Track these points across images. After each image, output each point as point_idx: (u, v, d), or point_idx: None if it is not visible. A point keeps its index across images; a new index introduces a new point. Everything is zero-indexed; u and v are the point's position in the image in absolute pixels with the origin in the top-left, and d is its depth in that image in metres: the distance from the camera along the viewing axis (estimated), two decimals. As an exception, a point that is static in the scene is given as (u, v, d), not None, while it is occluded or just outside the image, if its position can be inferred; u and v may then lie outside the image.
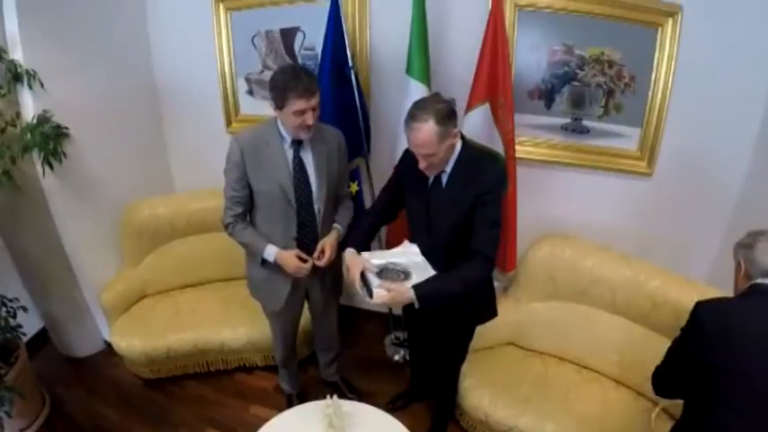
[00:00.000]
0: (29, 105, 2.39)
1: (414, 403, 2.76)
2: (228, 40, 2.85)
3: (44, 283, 2.81)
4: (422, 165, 1.79)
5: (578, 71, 2.44)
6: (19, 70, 2.30)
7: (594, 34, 2.36)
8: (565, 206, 2.73)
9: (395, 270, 1.87)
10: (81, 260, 2.81)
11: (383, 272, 1.86)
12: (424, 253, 1.92)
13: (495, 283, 2.81)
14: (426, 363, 2.66)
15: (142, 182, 3.08)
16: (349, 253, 1.96)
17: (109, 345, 2.90)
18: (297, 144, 2.05)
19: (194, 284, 3.07)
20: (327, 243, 2.16)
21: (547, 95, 2.53)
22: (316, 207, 2.13)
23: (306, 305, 2.48)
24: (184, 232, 2.98)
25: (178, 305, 2.92)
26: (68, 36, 2.55)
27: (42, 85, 2.37)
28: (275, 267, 2.15)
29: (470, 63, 2.36)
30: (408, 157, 1.94)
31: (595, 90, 2.46)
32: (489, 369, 2.58)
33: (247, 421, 2.60)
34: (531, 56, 2.48)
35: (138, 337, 2.71)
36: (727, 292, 2.19)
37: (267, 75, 2.78)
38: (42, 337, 3.05)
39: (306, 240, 2.16)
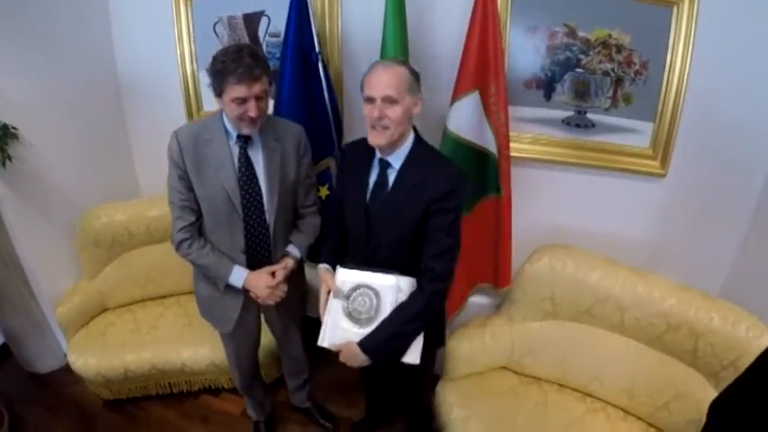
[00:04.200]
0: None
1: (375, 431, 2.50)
2: (189, 30, 2.56)
3: (0, 295, 2.57)
4: (374, 113, 1.53)
5: (582, 57, 2.11)
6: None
7: (601, 14, 2.03)
8: (566, 212, 2.40)
9: (366, 291, 1.69)
10: (37, 271, 2.60)
11: (355, 292, 1.69)
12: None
13: (487, 300, 2.58)
14: (380, 385, 2.36)
15: (105, 186, 2.82)
16: (322, 270, 1.78)
17: (71, 360, 2.69)
18: (244, 140, 1.77)
19: (156, 297, 2.81)
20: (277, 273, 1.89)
21: (546, 85, 2.20)
22: (267, 216, 1.83)
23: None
24: (144, 241, 2.71)
25: (138, 321, 2.66)
26: (20, 27, 2.29)
27: None
28: (227, 286, 1.88)
29: (457, 45, 2.05)
30: (348, 153, 1.79)
31: (602, 78, 2.12)
32: (480, 398, 2.28)
33: (211, 450, 2.36)
34: (528, 39, 2.15)
35: (93, 356, 2.46)
36: (745, 304, 1.94)
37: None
38: (5, 353, 2.84)
39: (256, 253, 1.88)
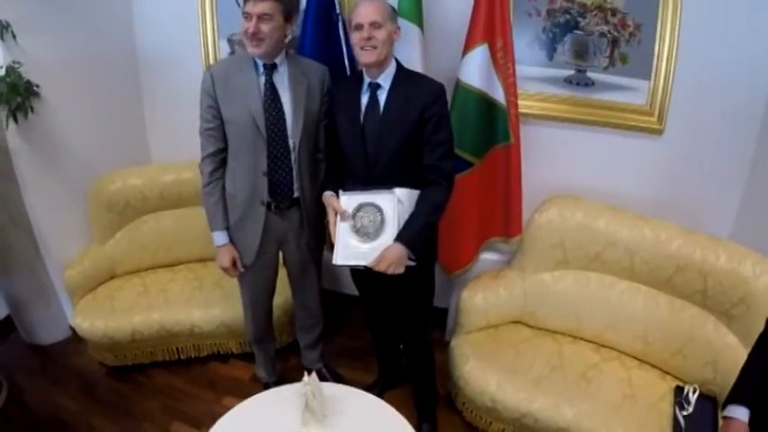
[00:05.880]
0: (-1, 58, 2.24)
1: (388, 392, 2.46)
2: (212, 1, 2.72)
3: (6, 257, 2.54)
4: (364, 35, 1.74)
5: (580, 19, 2.30)
6: (-9, 20, 2.16)
7: (596, -21, 2.24)
8: (570, 168, 2.51)
9: (369, 208, 1.83)
10: (46, 232, 2.58)
11: (359, 211, 1.83)
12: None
13: (497, 256, 2.62)
14: (392, 344, 2.40)
15: (117, 152, 2.88)
16: (327, 196, 1.93)
17: (75, 332, 2.62)
18: (270, 69, 1.90)
19: (167, 265, 2.80)
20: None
21: (548, 45, 2.37)
22: (290, 141, 1.93)
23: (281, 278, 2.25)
24: (157, 206, 2.74)
25: (147, 285, 2.64)
26: None
27: (15, 36, 2.22)
28: (248, 213, 1.99)
29: (466, 3, 2.21)
30: (337, 90, 1.97)
31: (599, 39, 2.30)
32: (494, 350, 2.29)
33: (218, 414, 2.15)
34: (530, 3, 2.34)
35: (101, 318, 2.43)
36: (755, 247, 2.00)
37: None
38: (7, 325, 2.80)
39: (278, 179, 1.96)
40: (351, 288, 2.91)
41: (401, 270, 1.77)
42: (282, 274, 2.26)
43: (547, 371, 2.17)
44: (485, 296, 2.37)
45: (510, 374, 2.16)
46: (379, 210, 1.80)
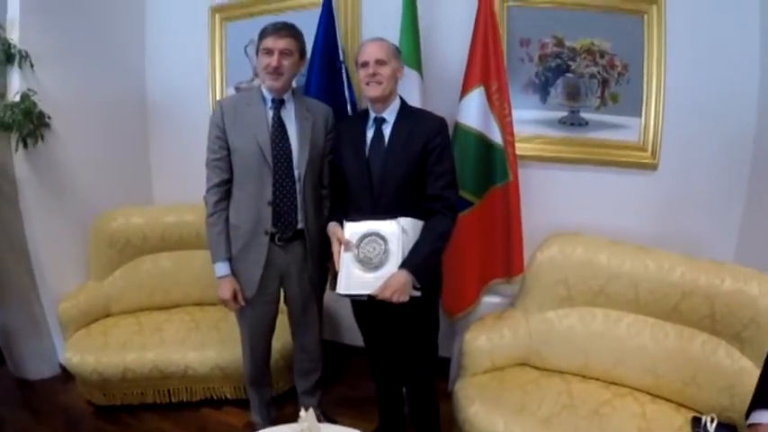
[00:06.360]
0: (15, 86, 2.36)
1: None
2: (222, 51, 2.91)
3: (1, 285, 2.53)
4: (369, 71, 1.83)
5: (570, 62, 2.44)
6: (12, 50, 2.30)
7: (582, 25, 2.40)
8: (569, 208, 2.54)
9: (374, 238, 1.84)
10: (44, 263, 2.59)
11: (363, 241, 1.84)
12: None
13: (499, 299, 2.58)
14: (394, 388, 2.31)
15: (121, 190, 2.94)
16: (332, 226, 1.94)
17: (65, 369, 2.56)
18: (279, 104, 1.99)
19: (164, 307, 2.75)
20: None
21: (541, 89, 2.50)
22: (296, 172, 1.98)
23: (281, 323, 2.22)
24: (158, 247, 2.75)
25: (142, 324, 2.57)
26: (68, 27, 2.62)
27: (32, 65, 2.36)
28: (251, 244, 1.99)
29: (462, 55, 2.36)
30: (342, 127, 2.04)
31: (590, 81, 2.43)
32: (500, 392, 2.18)
33: (207, 460, 2.15)
34: (522, 50, 2.49)
35: (92, 353, 2.37)
36: (759, 269, 1.98)
37: (257, 82, 2.74)
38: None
39: (283, 208, 1.98)
40: (351, 338, 2.87)
41: (405, 298, 1.75)
42: (282, 318, 2.22)
43: (557, 409, 2.06)
44: (489, 337, 2.30)
45: (518, 415, 2.03)
46: (384, 239, 1.81)
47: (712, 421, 1.84)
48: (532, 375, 2.29)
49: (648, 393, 2.12)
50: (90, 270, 2.71)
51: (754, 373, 1.81)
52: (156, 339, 2.46)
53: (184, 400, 2.48)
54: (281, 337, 2.37)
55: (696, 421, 1.90)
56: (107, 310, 2.66)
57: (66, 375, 2.55)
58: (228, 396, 2.51)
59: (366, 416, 2.43)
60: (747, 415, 1.41)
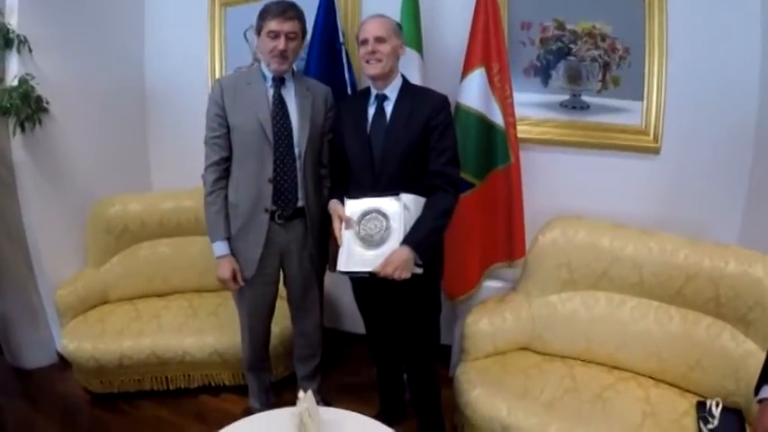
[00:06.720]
0: (13, 71, 2.34)
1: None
2: (221, 37, 2.89)
3: (-1, 270, 2.52)
4: (369, 48, 1.82)
5: (572, 46, 2.42)
6: (11, 35, 2.28)
7: (583, 8, 2.38)
8: (571, 191, 2.51)
9: (375, 215, 1.82)
10: (42, 250, 2.56)
11: (364, 218, 1.83)
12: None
13: (500, 283, 2.55)
14: (395, 373, 2.30)
15: (118, 176, 2.92)
16: (333, 203, 1.93)
17: (62, 358, 2.54)
18: (279, 82, 1.97)
19: (162, 294, 2.72)
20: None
21: (543, 72, 2.47)
22: (296, 149, 1.96)
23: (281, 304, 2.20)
24: (156, 233, 2.72)
25: (139, 311, 2.55)
26: (66, 13, 2.59)
27: (31, 50, 2.35)
28: (250, 222, 1.96)
29: (463, 36, 2.34)
30: (343, 106, 2.02)
31: (591, 64, 2.41)
32: (502, 375, 2.16)
33: (207, 448, 2.12)
34: (523, 33, 2.47)
35: (89, 340, 2.34)
36: (764, 251, 1.96)
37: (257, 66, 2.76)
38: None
39: (283, 186, 1.96)
40: (352, 326, 2.84)
41: (407, 275, 1.73)
42: (282, 303, 2.20)
43: (560, 393, 2.03)
44: (491, 320, 2.27)
45: (521, 399, 2.01)
46: (385, 216, 1.80)
47: (717, 406, 1.81)
48: (535, 360, 2.27)
49: (652, 378, 2.11)
50: (87, 257, 2.68)
51: (760, 356, 1.79)
52: (154, 326, 2.44)
53: (182, 386, 2.46)
54: (281, 321, 2.35)
55: (701, 405, 1.87)
56: (104, 297, 2.63)
57: (63, 364, 2.53)
58: (227, 382, 2.49)
59: (367, 402, 2.39)
60: (757, 391, 1.39)
